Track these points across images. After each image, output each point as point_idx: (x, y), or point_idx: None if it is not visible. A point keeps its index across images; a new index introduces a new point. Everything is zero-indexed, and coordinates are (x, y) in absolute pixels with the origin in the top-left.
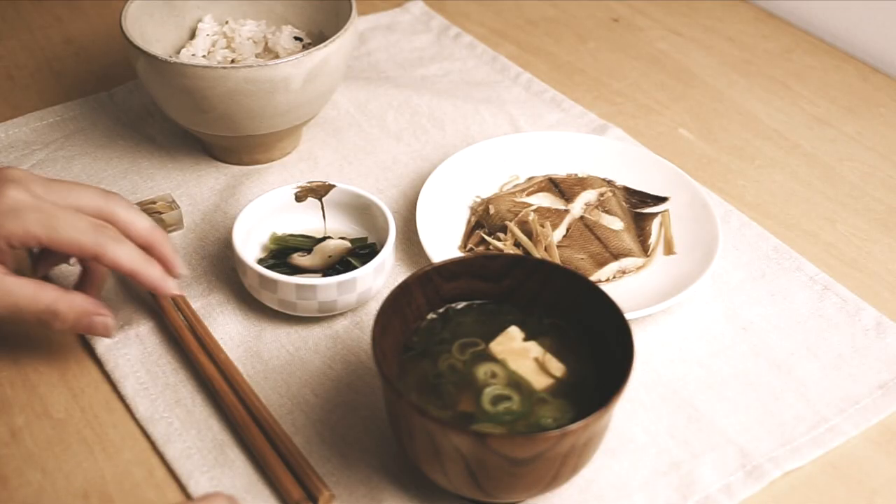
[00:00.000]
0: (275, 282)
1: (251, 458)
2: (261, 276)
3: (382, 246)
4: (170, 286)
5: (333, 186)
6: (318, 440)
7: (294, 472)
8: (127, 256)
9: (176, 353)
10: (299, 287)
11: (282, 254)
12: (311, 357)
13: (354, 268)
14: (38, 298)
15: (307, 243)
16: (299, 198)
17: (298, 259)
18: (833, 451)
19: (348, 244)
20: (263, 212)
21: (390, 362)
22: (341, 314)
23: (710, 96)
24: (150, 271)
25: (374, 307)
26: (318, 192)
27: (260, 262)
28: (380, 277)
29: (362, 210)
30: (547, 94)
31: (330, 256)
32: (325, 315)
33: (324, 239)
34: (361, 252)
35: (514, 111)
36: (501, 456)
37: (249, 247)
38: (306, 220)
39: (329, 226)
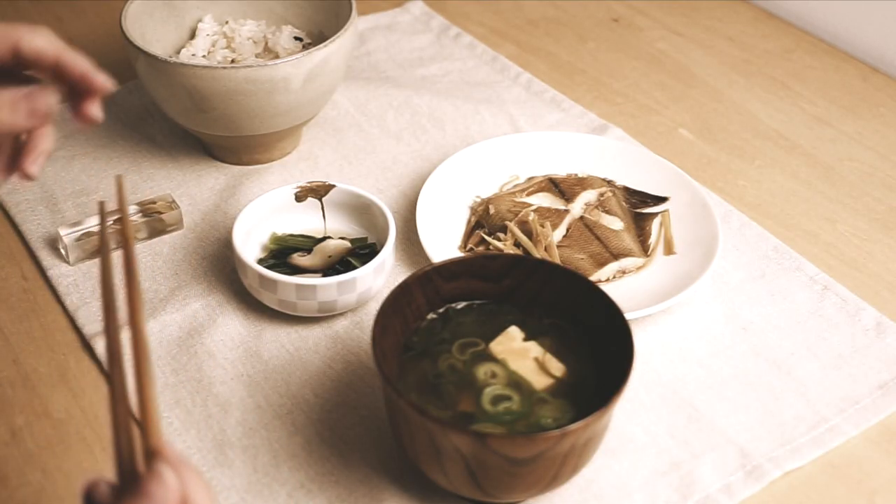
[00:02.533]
0: (275, 282)
1: (251, 459)
2: (261, 276)
3: (382, 246)
4: (102, 79)
5: (333, 186)
6: (318, 440)
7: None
8: (45, 40)
9: (176, 353)
10: (299, 287)
11: (282, 254)
12: (311, 357)
13: (354, 268)
14: None
15: (307, 243)
16: (299, 198)
17: (298, 259)
18: (833, 451)
19: (348, 244)
20: (263, 212)
21: (390, 362)
22: (341, 314)
23: (710, 96)
24: (77, 58)
25: (374, 307)
26: (318, 192)
27: (260, 262)
28: (380, 277)
29: (362, 210)
30: (547, 94)
31: (330, 256)
32: (325, 315)
33: (324, 239)
34: (361, 252)
35: (514, 111)
36: (501, 456)
37: (249, 247)
38: (306, 220)
39: (329, 226)
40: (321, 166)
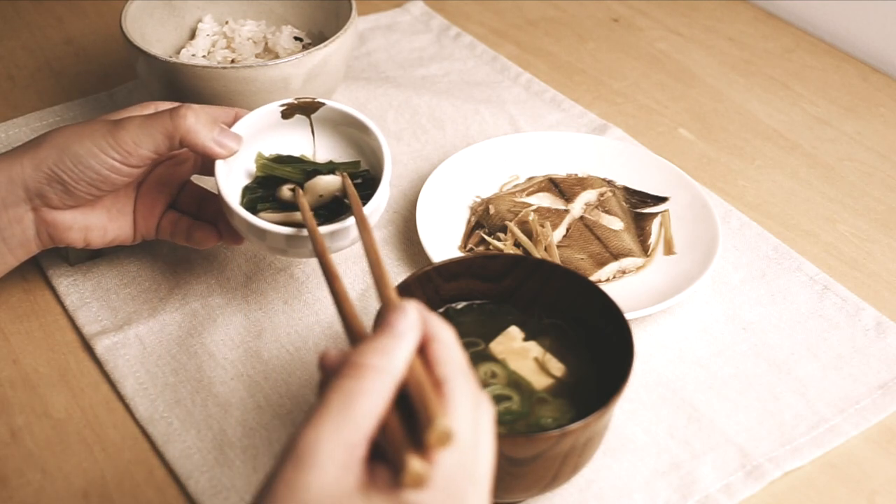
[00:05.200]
0: (264, 231)
1: (251, 459)
2: (249, 223)
3: (376, 171)
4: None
5: (323, 104)
6: None
7: None
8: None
9: (176, 353)
10: (289, 238)
11: (269, 182)
12: (311, 357)
13: (345, 207)
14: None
15: (297, 176)
16: (286, 115)
17: (287, 193)
18: (833, 451)
19: (339, 182)
20: (249, 131)
21: None
22: None
23: (710, 96)
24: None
25: (373, 307)
26: (306, 109)
27: (246, 189)
28: (374, 219)
29: (355, 132)
30: (547, 94)
31: (321, 196)
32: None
33: (314, 173)
34: (354, 181)
35: (514, 111)
36: (501, 456)
37: (234, 174)
38: (294, 140)
39: (318, 147)
40: None
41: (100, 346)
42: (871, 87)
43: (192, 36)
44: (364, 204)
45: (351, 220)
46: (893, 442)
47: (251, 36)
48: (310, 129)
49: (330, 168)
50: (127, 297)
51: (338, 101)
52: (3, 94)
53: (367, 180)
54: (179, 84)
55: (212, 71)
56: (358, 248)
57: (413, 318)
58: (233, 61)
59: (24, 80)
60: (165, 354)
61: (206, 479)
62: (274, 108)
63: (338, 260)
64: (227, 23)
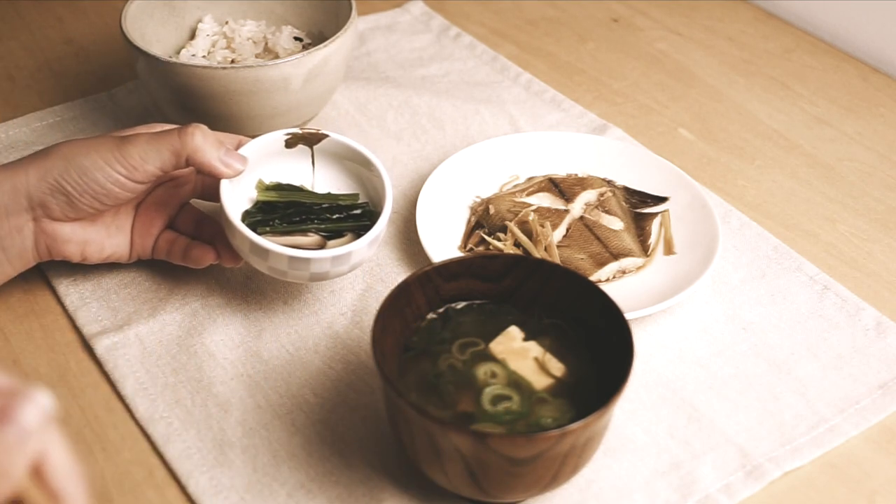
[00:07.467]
0: (266, 250)
1: (251, 459)
2: (252, 242)
3: (375, 204)
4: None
5: (326, 136)
6: (318, 440)
7: None
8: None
9: (176, 353)
10: (292, 259)
11: (269, 208)
12: (311, 357)
13: (346, 227)
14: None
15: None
16: (289, 144)
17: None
18: (833, 451)
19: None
20: (252, 157)
21: (390, 362)
22: (341, 314)
23: (710, 96)
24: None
25: (373, 307)
26: (309, 139)
27: (245, 214)
28: (374, 248)
29: (356, 165)
30: (547, 94)
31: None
32: (315, 282)
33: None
34: (353, 213)
35: (514, 111)
36: (501, 456)
37: (236, 196)
38: (295, 169)
39: (318, 177)
40: None
41: (100, 346)
42: (871, 87)
43: (192, 36)
44: (360, 236)
45: (353, 245)
46: (893, 442)
47: (251, 36)
48: (311, 160)
49: (331, 199)
50: (127, 297)
51: (339, 103)
52: (3, 94)
53: (365, 213)
54: (179, 84)
55: (212, 71)
56: None
57: (45, 411)
58: (233, 61)
59: (24, 80)
60: (165, 354)
61: (206, 479)
62: (278, 137)
63: None
64: (227, 23)
